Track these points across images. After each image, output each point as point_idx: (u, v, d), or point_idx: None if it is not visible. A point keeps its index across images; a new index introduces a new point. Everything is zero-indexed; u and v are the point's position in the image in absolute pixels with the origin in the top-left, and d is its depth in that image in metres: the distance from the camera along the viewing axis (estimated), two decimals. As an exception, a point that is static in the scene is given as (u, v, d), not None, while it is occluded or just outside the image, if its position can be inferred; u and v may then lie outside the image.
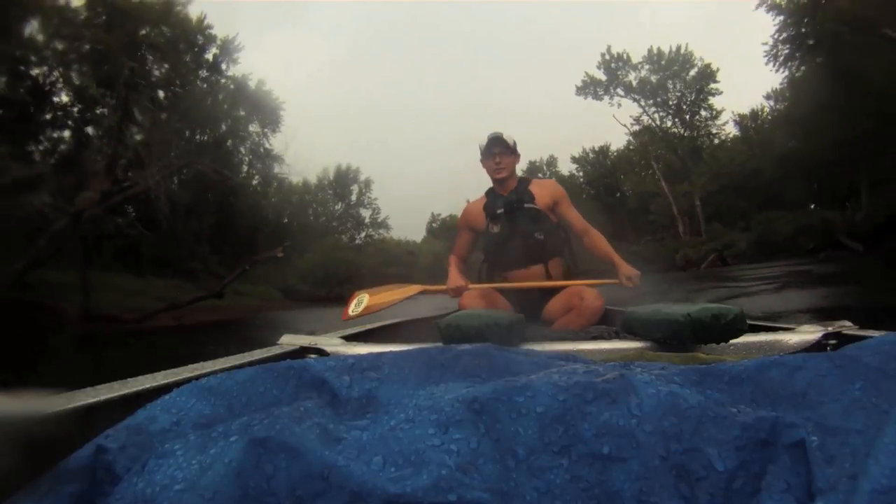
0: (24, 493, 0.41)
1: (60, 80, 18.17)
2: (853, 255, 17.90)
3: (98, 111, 18.34)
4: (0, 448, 0.39)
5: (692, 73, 36.62)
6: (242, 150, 27.65)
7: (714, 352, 1.12)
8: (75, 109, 19.58)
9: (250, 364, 0.85)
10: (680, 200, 34.08)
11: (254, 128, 27.40)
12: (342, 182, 43.89)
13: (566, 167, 48.54)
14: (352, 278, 32.05)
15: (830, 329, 1.17)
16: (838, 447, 0.40)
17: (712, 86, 36.79)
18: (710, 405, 0.44)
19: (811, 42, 22.46)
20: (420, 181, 78.01)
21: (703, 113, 37.00)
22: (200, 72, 23.69)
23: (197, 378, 0.60)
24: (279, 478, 0.37)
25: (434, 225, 64.70)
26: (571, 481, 0.39)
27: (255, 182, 28.88)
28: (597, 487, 0.39)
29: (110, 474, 0.44)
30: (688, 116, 36.78)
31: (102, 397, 0.68)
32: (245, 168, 27.67)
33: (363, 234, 45.18)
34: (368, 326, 1.87)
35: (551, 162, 49.23)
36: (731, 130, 37.59)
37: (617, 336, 1.51)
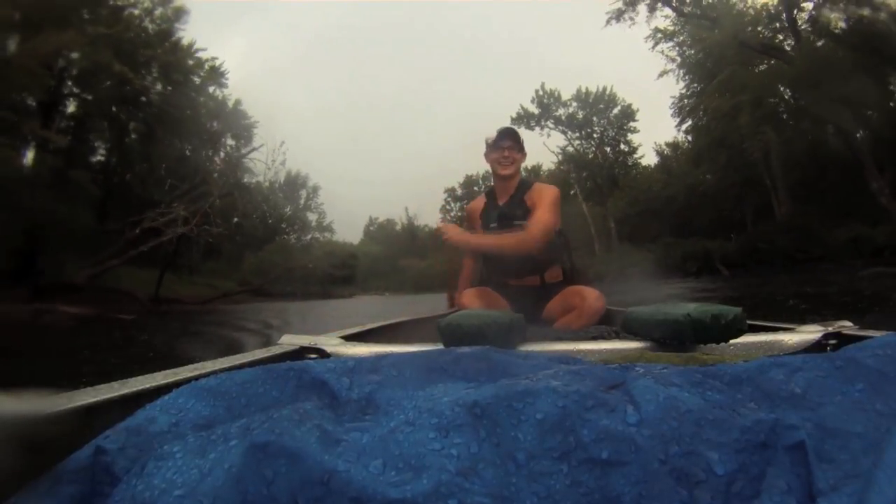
0: (24, 494, 0.40)
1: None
2: (720, 279, 20.79)
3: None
4: (0, 448, 0.38)
5: (615, 111, 40.09)
6: (217, 159, 28.70)
7: (714, 352, 1.08)
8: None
9: (250, 364, 0.84)
10: (598, 221, 36.38)
11: (228, 140, 29.23)
12: (292, 186, 45.60)
13: (500, 182, 51.69)
14: (304, 277, 34.48)
15: (830, 329, 1.15)
16: (838, 449, 0.40)
17: (631, 124, 40.30)
18: (709, 408, 0.43)
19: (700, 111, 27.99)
20: (361, 184, 77.93)
21: (623, 147, 40.37)
22: (192, 94, 25.39)
23: (196, 378, 0.58)
24: (279, 483, 0.36)
25: (371, 228, 65.09)
26: (571, 486, 0.38)
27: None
28: (597, 492, 0.38)
29: (109, 475, 0.42)
30: (608, 149, 39.93)
31: (102, 397, 0.66)
32: (216, 175, 29.55)
33: (309, 237, 47.40)
34: (368, 326, 1.85)
35: (487, 177, 52.13)
36: (651, 161, 40.44)
37: (617, 336, 1.48)
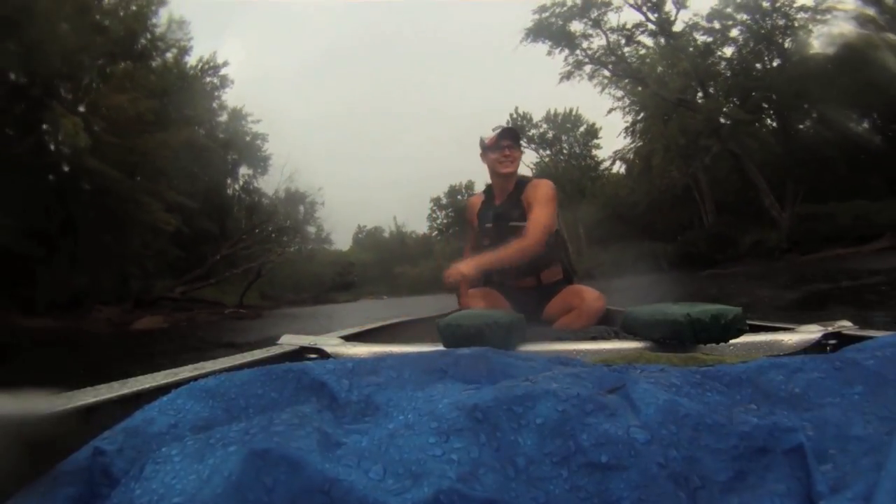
0: (23, 496, 0.39)
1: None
2: (659, 276, 22.58)
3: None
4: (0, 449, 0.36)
5: (581, 130, 43.29)
6: (237, 186, 32.34)
7: (714, 352, 1.06)
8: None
9: (250, 365, 0.80)
10: (569, 227, 38.13)
11: (244, 169, 32.36)
12: (292, 201, 50.21)
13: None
14: (312, 287, 38.62)
15: (830, 329, 1.12)
16: (837, 451, 0.39)
17: (595, 141, 43.35)
18: (708, 411, 0.41)
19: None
20: (349, 192, 78.10)
21: (588, 161, 43.40)
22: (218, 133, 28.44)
23: (195, 379, 0.56)
24: (279, 491, 0.35)
25: (360, 236, 63.68)
26: (571, 491, 0.37)
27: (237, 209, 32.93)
28: (596, 497, 0.37)
29: (107, 477, 0.41)
30: (574, 162, 43.03)
31: (102, 398, 0.65)
32: (234, 200, 31.64)
33: (309, 248, 51.79)
34: (368, 327, 1.82)
35: (469, 185, 51.55)
36: (619, 169, 42.38)
37: (617, 336, 1.42)
